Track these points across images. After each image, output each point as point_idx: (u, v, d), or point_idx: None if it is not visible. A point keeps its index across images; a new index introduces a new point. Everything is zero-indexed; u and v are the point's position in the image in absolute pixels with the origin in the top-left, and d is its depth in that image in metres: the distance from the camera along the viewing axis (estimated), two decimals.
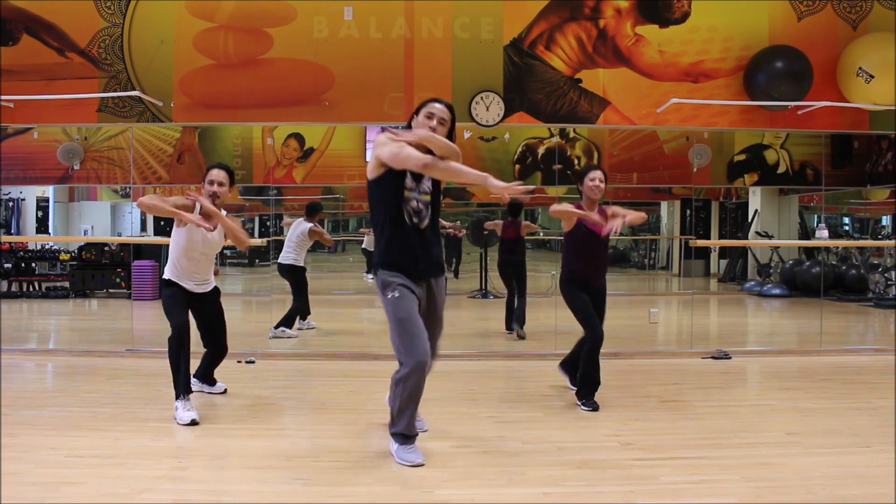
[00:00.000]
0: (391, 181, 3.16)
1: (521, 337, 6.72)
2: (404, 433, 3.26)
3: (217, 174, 4.12)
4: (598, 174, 4.33)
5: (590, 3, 5.78)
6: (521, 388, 4.89)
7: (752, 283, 11.99)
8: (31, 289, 10.60)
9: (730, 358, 5.88)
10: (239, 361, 5.56)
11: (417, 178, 3.19)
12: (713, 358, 5.89)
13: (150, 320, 8.50)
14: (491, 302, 9.25)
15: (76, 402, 4.36)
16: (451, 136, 3.22)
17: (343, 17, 5.69)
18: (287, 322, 6.97)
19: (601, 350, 4.29)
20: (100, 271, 10.39)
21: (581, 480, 3.06)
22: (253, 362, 5.60)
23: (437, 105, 3.21)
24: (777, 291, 11.12)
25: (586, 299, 4.28)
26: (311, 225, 7.23)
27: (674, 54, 5.80)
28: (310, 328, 7.39)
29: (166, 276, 4.17)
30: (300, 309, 7.14)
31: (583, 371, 4.28)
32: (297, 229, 7.23)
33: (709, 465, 3.24)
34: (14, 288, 10.44)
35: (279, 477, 3.08)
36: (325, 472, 3.14)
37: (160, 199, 3.94)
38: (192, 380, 4.29)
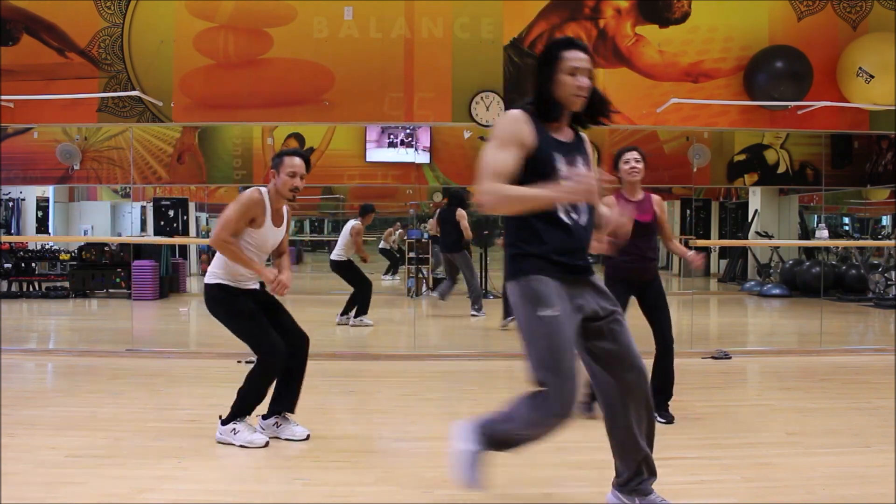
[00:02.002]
0: (540, 166, 2.33)
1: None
2: None
3: (299, 165, 3.48)
4: (632, 155, 3.84)
5: (590, 3, 5.77)
6: (521, 389, 4.88)
7: (752, 283, 11.99)
8: (31, 289, 10.60)
9: (730, 358, 5.88)
10: (239, 361, 5.55)
11: (568, 158, 2.37)
12: (713, 358, 5.89)
13: (150, 320, 8.50)
14: (491, 301, 9.25)
15: (76, 402, 4.36)
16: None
17: (343, 17, 5.69)
18: (362, 311, 7.68)
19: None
20: (100, 271, 10.39)
21: (581, 480, 3.06)
22: (253, 362, 5.59)
23: (579, 54, 2.34)
24: (777, 291, 11.12)
25: (624, 304, 3.71)
26: (356, 223, 7.79)
27: (674, 54, 5.80)
28: (364, 325, 7.68)
29: (217, 280, 3.48)
30: (364, 296, 7.70)
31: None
32: (347, 228, 7.82)
33: (709, 466, 3.24)
34: (14, 288, 10.44)
35: (279, 477, 3.08)
36: (325, 472, 3.14)
37: (236, 245, 3.38)
38: (263, 424, 3.59)
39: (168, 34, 5.71)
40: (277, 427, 3.57)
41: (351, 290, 7.75)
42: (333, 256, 7.85)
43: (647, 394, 2.51)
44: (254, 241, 3.47)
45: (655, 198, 3.92)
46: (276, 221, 3.57)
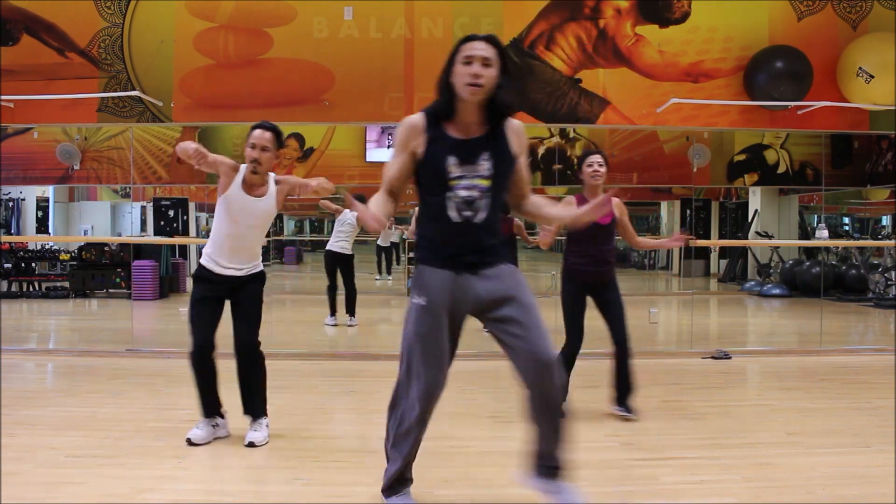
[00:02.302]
0: (428, 170, 2.45)
1: None
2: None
3: (260, 136, 3.33)
4: (595, 158, 3.92)
5: (590, 3, 5.77)
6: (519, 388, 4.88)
7: (752, 283, 11.99)
8: (31, 289, 10.60)
9: (730, 358, 5.88)
10: None
11: (466, 157, 2.42)
12: (713, 358, 5.89)
13: (150, 320, 8.50)
14: None
15: (76, 402, 4.36)
16: (507, 74, 2.44)
17: (343, 17, 5.69)
18: (353, 310, 7.56)
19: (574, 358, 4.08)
20: (100, 271, 10.39)
21: (581, 480, 3.05)
22: None
23: (475, 43, 2.37)
24: (777, 291, 11.12)
25: (581, 302, 3.97)
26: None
27: (674, 54, 5.80)
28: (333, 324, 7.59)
29: (202, 259, 3.49)
30: (352, 295, 7.58)
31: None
32: (350, 219, 7.61)
33: (709, 466, 3.24)
34: (14, 288, 10.44)
35: (279, 477, 3.08)
36: (325, 472, 3.14)
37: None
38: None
39: (168, 34, 5.71)
40: (215, 427, 3.53)
41: (324, 289, 7.72)
42: (339, 249, 7.57)
43: (544, 390, 2.52)
44: (230, 206, 3.40)
45: (615, 200, 3.87)
46: (254, 193, 3.44)
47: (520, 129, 2.53)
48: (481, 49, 2.36)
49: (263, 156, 3.34)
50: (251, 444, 3.45)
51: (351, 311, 7.60)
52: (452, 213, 2.42)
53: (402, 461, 2.66)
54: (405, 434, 2.63)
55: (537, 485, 2.63)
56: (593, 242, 3.90)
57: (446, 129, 2.43)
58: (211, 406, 3.49)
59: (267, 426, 3.55)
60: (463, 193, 2.41)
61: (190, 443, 3.41)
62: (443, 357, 2.51)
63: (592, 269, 3.93)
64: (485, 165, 2.42)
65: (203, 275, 3.47)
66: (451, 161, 2.40)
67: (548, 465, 2.60)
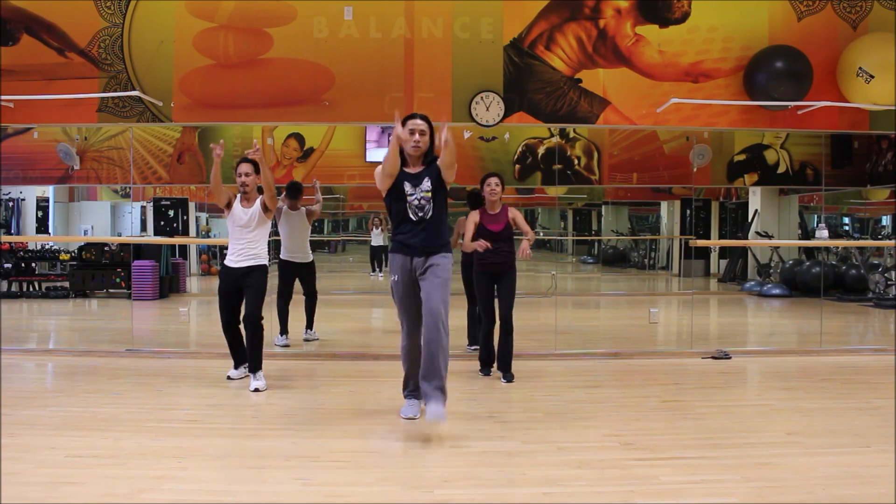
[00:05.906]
0: (395, 192, 3.90)
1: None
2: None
3: (242, 167, 4.83)
4: (493, 180, 5.04)
5: (590, 3, 5.77)
6: (521, 388, 4.89)
7: (752, 283, 11.99)
8: (31, 289, 10.60)
9: (730, 358, 5.88)
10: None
11: (414, 181, 3.87)
12: (713, 358, 5.89)
13: (150, 320, 8.51)
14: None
15: (76, 402, 4.36)
16: (432, 138, 3.92)
17: (343, 17, 5.69)
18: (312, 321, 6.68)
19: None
20: (100, 271, 10.39)
21: (581, 480, 3.06)
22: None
23: (414, 120, 3.91)
24: (777, 291, 11.12)
25: (489, 289, 5.10)
26: (310, 207, 6.55)
27: (674, 54, 5.80)
28: (285, 344, 6.48)
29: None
30: (314, 305, 6.68)
31: (481, 347, 5.25)
32: (302, 217, 6.49)
33: (709, 465, 3.24)
34: (14, 288, 10.44)
35: (279, 477, 3.08)
36: (325, 472, 3.14)
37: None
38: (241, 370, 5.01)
39: (168, 34, 5.71)
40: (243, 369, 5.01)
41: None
42: (306, 259, 6.52)
43: (428, 334, 3.69)
44: (232, 216, 4.88)
45: (511, 209, 5.08)
46: (246, 206, 4.88)
47: (440, 164, 3.87)
48: (419, 124, 3.87)
49: (248, 179, 4.81)
50: (256, 390, 4.59)
51: (310, 322, 6.67)
52: (411, 215, 3.85)
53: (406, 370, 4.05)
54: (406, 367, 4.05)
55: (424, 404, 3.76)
56: (492, 243, 4.98)
57: (406, 169, 3.92)
58: (239, 358, 4.97)
59: (263, 376, 4.72)
60: (416, 203, 3.84)
61: (229, 378, 4.94)
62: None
63: (491, 260, 5.01)
64: (427, 184, 3.85)
65: (222, 269, 4.93)
66: (406, 184, 3.87)
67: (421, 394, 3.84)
